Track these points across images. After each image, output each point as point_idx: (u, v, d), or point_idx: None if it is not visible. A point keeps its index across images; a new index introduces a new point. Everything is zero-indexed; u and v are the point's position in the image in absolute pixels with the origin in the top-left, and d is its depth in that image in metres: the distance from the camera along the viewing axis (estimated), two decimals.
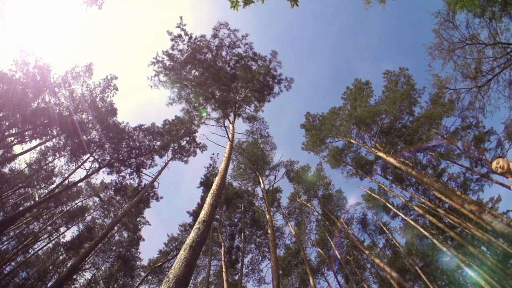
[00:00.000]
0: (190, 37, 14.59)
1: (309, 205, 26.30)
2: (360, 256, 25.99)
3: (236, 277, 22.55)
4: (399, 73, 17.99)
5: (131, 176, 19.91)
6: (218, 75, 14.56)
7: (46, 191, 22.98)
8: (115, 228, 23.88)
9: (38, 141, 17.75)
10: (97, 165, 18.57)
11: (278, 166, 25.41)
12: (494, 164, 2.93)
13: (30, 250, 23.85)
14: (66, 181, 19.74)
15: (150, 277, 26.75)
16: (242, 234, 21.40)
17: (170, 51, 14.54)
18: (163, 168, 20.17)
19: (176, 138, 20.63)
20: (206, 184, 20.99)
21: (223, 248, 20.37)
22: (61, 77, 17.35)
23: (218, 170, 11.64)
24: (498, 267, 17.41)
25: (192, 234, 5.59)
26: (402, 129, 18.75)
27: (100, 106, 18.35)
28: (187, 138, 21.10)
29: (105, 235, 14.56)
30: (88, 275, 26.11)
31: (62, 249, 25.20)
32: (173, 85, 14.94)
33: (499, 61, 12.68)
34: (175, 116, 20.75)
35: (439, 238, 20.16)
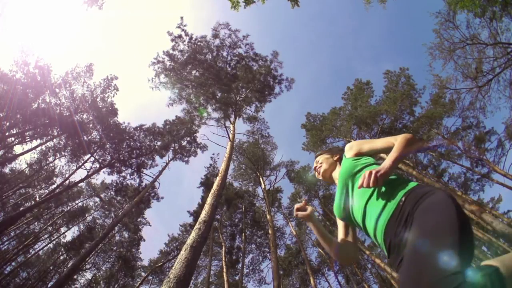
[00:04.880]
0: (191, 38, 14.61)
1: (310, 205, 26.27)
2: (360, 256, 25.95)
3: (237, 277, 22.54)
4: (400, 73, 17.99)
5: (131, 176, 19.94)
6: (219, 76, 14.56)
7: (47, 191, 22.99)
8: (116, 228, 23.89)
9: (38, 141, 17.77)
10: (97, 165, 18.58)
11: (279, 166, 25.42)
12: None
13: (30, 250, 23.87)
14: (67, 181, 19.77)
15: (151, 277, 26.75)
16: (243, 234, 21.40)
17: (171, 52, 14.56)
18: (163, 168, 20.19)
19: (176, 138, 20.64)
20: (206, 184, 20.98)
21: (223, 248, 20.38)
22: (62, 77, 17.36)
23: (218, 170, 11.65)
24: None
25: (193, 234, 5.60)
26: (402, 129, 18.72)
27: (100, 106, 18.36)
28: (188, 138, 21.11)
29: (106, 235, 14.59)
30: (88, 275, 26.12)
31: (62, 249, 25.20)
32: (173, 85, 14.95)
33: (499, 61, 12.69)
34: (176, 116, 20.77)
35: None
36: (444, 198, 1.04)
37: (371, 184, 1.19)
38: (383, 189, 1.27)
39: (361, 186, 1.22)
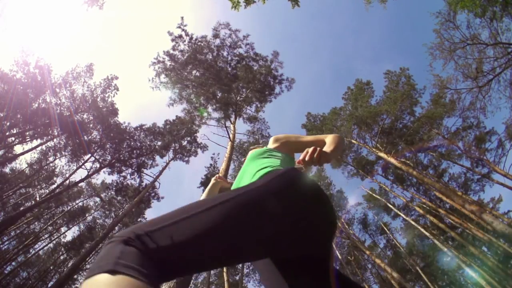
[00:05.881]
0: (191, 38, 14.61)
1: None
2: (361, 256, 25.96)
3: (237, 277, 22.55)
4: (400, 73, 17.97)
5: (132, 176, 19.91)
6: (219, 75, 14.56)
7: (47, 191, 22.99)
8: (116, 228, 23.78)
9: (39, 141, 17.79)
10: (98, 165, 18.57)
11: None
12: None
13: (31, 250, 23.88)
14: (67, 181, 19.76)
15: None
16: None
17: (171, 52, 14.56)
18: (164, 168, 20.16)
19: (177, 138, 20.62)
20: (206, 184, 20.92)
21: None
22: (62, 77, 17.38)
23: (219, 170, 11.64)
24: (499, 267, 17.39)
25: None
26: (403, 129, 18.72)
27: (101, 106, 18.36)
28: (188, 138, 21.07)
29: (106, 235, 14.57)
30: None
31: (63, 249, 25.21)
32: (174, 85, 14.95)
33: (500, 61, 12.68)
34: (176, 116, 20.73)
35: (440, 239, 20.14)
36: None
37: (315, 157, 1.08)
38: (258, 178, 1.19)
39: (302, 159, 1.10)
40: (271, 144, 1.59)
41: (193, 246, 0.73)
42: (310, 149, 1.11)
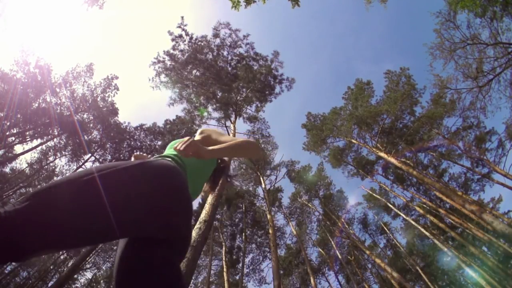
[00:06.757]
0: (191, 37, 14.61)
1: (310, 205, 26.26)
2: (361, 256, 25.94)
3: (237, 277, 22.53)
4: (400, 73, 17.97)
5: None
6: (219, 75, 14.56)
7: None
8: None
9: (39, 141, 17.80)
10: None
11: (279, 166, 25.39)
12: None
13: None
14: None
15: None
16: (243, 234, 21.40)
17: (171, 51, 14.56)
18: None
19: (177, 138, 20.61)
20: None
21: (224, 248, 20.37)
22: (62, 77, 17.40)
23: None
24: (499, 267, 17.38)
25: (193, 233, 5.60)
26: (403, 129, 18.72)
27: (101, 106, 18.38)
28: None
29: None
30: (89, 274, 26.13)
31: None
32: (174, 85, 14.96)
33: (500, 61, 12.68)
34: (176, 116, 20.73)
35: (440, 238, 20.13)
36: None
37: (183, 147, 1.14)
38: None
39: (176, 147, 1.17)
40: (196, 136, 1.65)
41: (51, 222, 0.76)
42: (185, 139, 1.18)
